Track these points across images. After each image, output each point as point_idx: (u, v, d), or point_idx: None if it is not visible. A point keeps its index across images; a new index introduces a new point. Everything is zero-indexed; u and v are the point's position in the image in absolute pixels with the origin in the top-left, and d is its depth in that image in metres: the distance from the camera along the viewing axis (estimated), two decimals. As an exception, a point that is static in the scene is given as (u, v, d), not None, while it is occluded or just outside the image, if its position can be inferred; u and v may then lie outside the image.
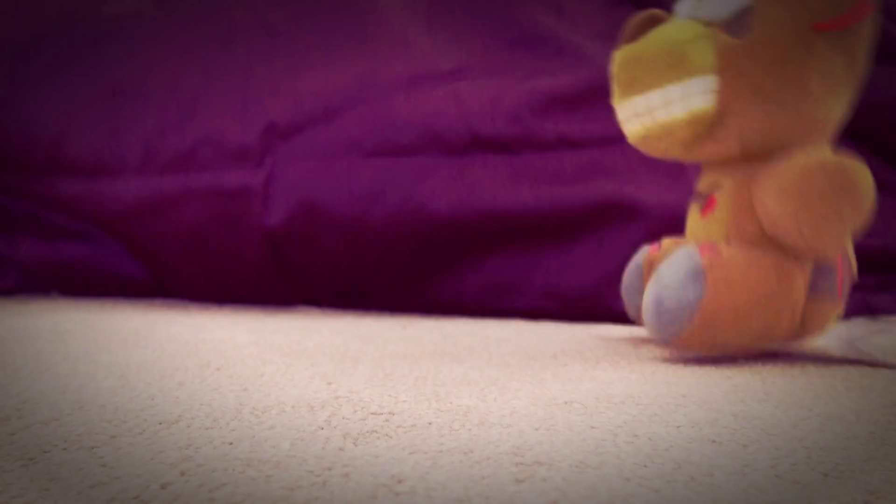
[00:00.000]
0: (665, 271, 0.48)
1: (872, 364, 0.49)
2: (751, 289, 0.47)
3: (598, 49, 0.81)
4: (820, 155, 0.46)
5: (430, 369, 0.44)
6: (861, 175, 0.46)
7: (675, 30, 0.49)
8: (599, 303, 0.77)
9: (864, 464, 0.26)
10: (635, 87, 0.50)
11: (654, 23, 0.51)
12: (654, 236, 0.67)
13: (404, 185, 0.85)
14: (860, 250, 0.85)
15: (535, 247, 0.83)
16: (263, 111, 0.91)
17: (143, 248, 0.98)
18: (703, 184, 0.55)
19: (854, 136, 0.89)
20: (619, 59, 0.52)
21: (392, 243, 0.86)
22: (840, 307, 0.52)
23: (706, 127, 0.50)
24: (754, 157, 0.51)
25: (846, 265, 0.51)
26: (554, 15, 0.85)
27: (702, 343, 0.48)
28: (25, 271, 1.04)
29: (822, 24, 0.47)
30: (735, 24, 0.48)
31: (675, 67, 0.48)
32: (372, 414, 0.32)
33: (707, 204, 0.53)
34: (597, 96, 0.75)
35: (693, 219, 0.56)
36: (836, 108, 0.51)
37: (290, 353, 0.50)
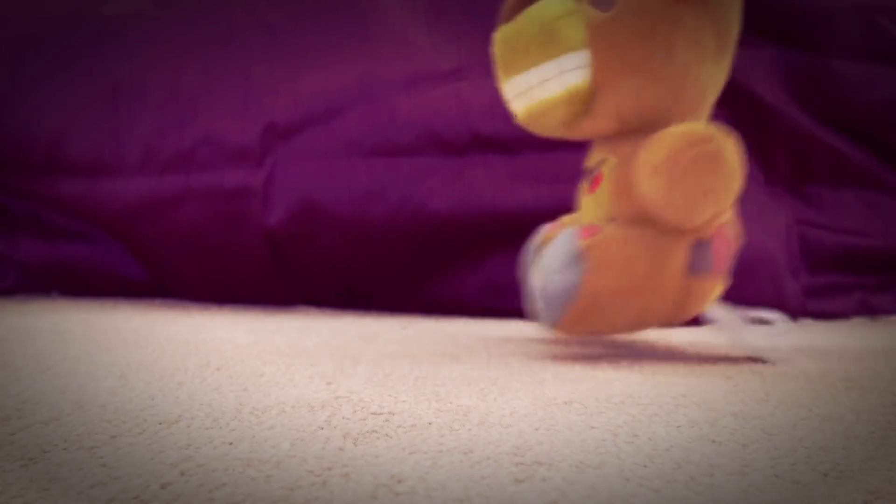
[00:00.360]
0: (547, 256, 0.48)
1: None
2: (629, 269, 0.47)
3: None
4: (686, 127, 0.45)
5: (430, 369, 0.44)
6: (726, 145, 0.45)
7: (545, 7, 0.49)
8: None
9: (864, 464, 0.26)
10: (515, 67, 0.50)
11: (529, 1, 0.51)
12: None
13: (404, 184, 0.85)
14: (860, 250, 0.85)
15: (535, 247, 0.83)
16: (263, 111, 0.90)
17: (143, 248, 0.98)
18: (591, 160, 0.54)
19: (854, 136, 0.89)
20: (497, 40, 0.51)
21: (392, 243, 0.86)
22: (720, 282, 0.51)
23: (582, 103, 0.49)
24: (634, 132, 0.50)
25: (724, 238, 0.50)
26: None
27: (584, 325, 0.47)
28: (25, 271, 1.04)
29: None
30: None
31: (548, 45, 0.48)
32: (372, 414, 0.32)
33: (594, 181, 0.53)
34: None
35: (582, 196, 0.55)
36: (709, 77, 0.50)
37: (290, 353, 0.50)
